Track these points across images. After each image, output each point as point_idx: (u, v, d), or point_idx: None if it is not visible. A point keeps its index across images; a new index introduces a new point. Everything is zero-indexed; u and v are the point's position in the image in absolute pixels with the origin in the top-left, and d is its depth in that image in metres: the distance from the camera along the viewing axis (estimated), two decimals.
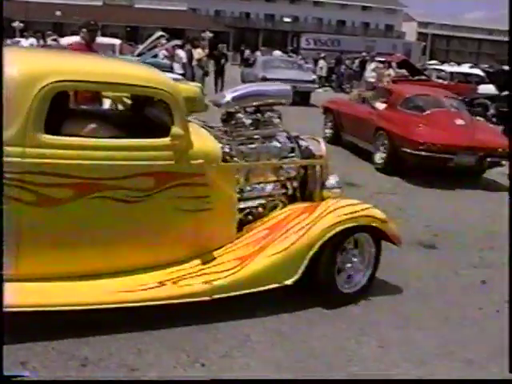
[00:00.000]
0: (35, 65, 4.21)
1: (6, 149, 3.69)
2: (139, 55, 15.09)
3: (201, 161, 4.51)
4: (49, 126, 3.98)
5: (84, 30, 7.80)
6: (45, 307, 3.87)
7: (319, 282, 4.83)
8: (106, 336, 4.04)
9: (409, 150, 9.74)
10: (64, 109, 4.74)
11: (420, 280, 5.68)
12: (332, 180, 5.51)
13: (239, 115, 5.42)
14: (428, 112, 10.48)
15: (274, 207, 5.31)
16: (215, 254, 4.70)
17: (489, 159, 9.99)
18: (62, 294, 4.01)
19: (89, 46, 7.80)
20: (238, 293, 4.45)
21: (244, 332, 4.34)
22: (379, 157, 10.64)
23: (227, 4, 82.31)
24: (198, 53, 22.03)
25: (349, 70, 30.17)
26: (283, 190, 5.46)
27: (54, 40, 19.82)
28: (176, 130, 4.34)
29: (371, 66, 24.27)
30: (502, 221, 7.08)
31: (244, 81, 24.34)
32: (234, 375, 3.78)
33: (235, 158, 5.00)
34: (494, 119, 16.31)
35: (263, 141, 5.39)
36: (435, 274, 5.88)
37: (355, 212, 4.94)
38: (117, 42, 20.17)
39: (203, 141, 4.72)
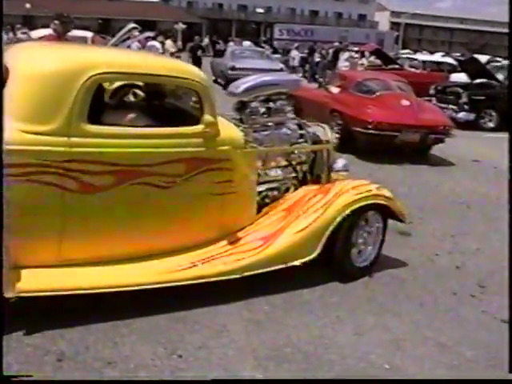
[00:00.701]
0: (78, 58, 4.41)
1: (52, 139, 3.99)
2: None
3: (227, 147, 4.81)
4: (90, 116, 4.17)
5: (57, 21, 7.71)
6: (86, 290, 4.08)
7: (335, 257, 5.19)
8: (82, 329, 4.02)
9: (359, 129, 10.72)
10: (101, 100, 4.85)
11: (394, 267, 5.72)
12: (340, 163, 5.94)
13: (254, 104, 5.71)
14: (377, 94, 11.54)
15: (287, 190, 5.71)
16: (239, 234, 5.02)
17: (432, 136, 11.08)
18: (102, 278, 4.22)
19: (60, 39, 7.72)
20: (264, 270, 4.77)
21: (220, 322, 4.35)
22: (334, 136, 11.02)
23: None
24: (169, 45, 21.80)
25: (322, 59, 30.19)
26: (294, 174, 5.86)
27: (24, 33, 19.60)
28: (207, 117, 4.63)
29: (344, 55, 24.32)
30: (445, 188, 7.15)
31: (214, 71, 24.44)
32: (210, 365, 3.79)
33: (253, 145, 5.26)
34: (467, 107, 16.39)
35: (275, 128, 5.77)
36: (409, 261, 5.92)
37: (368, 191, 5.34)
38: (89, 34, 19.96)
39: (227, 128, 4.98)
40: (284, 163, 5.81)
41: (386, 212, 5.47)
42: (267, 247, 4.87)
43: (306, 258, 4.96)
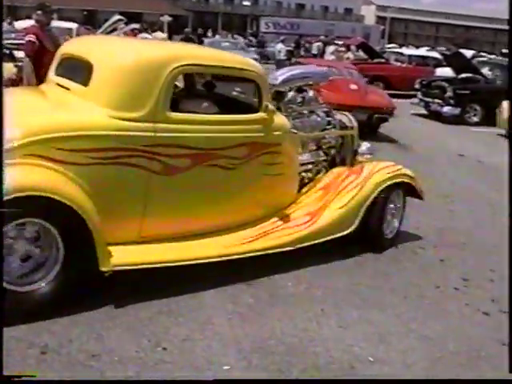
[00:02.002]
0: (163, 51, 5.01)
1: (141, 125, 4.40)
2: None
3: (280, 132, 5.33)
4: (172, 103, 4.63)
5: (39, 11, 7.65)
6: (170, 263, 4.52)
7: (371, 230, 5.88)
8: (67, 322, 4.01)
9: None
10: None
11: (379, 260, 5.75)
12: (364, 147, 6.59)
13: (292, 93, 6.40)
14: (330, 79, 11.84)
15: (318, 172, 6.30)
16: (287, 211, 5.61)
17: (377, 116, 12.63)
18: (180, 252, 4.66)
19: (43, 30, 7.66)
20: (313, 242, 5.39)
21: (205, 315, 4.34)
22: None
23: None
24: (161, 37, 21.64)
25: (306, 53, 30.21)
26: (325, 157, 6.45)
27: (9, 24, 19.45)
28: (267, 105, 5.16)
29: (330, 49, 24.32)
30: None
31: None
32: (195, 358, 3.79)
33: (294, 131, 5.73)
34: (452, 101, 16.46)
35: (308, 115, 6.41)
36: (394, 254, 5.96)
37: (395, 171, 6.08)
38: (74, 25, 19.83)
39: (278, 115, 5.43)
40: (314, 147, 6.39)
41: (408, 190, 6.22)
42: (314, 222, 5.49)
43: (346, 231, 5.62)
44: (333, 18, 77.46)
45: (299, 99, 6.48)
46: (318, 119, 6.49)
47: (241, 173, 5.04)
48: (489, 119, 15.56)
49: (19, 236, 4.03)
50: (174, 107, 4.69)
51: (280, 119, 5.42)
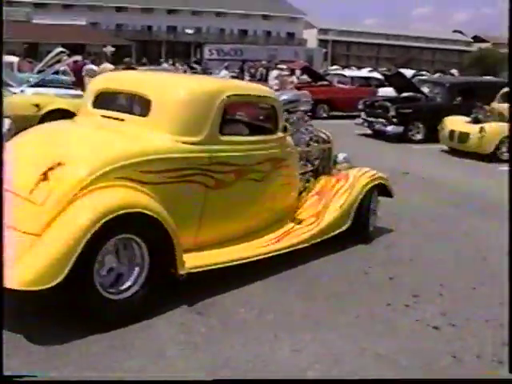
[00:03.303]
0: (214, 85, 6.09)
1: (200, 147, 5.22)
2: (39, 72, 14.73)
3: (289, 148, 6.37)
4: (220, 128, 5.46)
5: None
6: (225, 264, 5.26)
7: (361, 225, 6.92)
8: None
9: None
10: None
11: (330, 281, 5.79)
12: (341, 157, 7.53)
13: (289, 115, 7.52)
14: None
15: (308, 180, 7.13)
16: (296, 215, 6.60)
17: None
18: (230, 254, 5.43)
19: None
20: (322, 239, 6.36)
21: (158, 346, 4.31)
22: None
23: (128, 17, 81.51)
24: (109, 68, 21.49)
25: (252, 78, 30.42)
26: (312, 167, 7.30)
27: None
28: (285, 126, 6.25)
29: (274, 73, 24.54)
30: None
31: None
32: None
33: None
34: (395, 120, 16.74)
35: (295, 132, 7.12)
36: (344, 274, 6.01)
37: (374, 175, 7.19)
38: (15, 59, 19.63)
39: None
40: (303, 160, 7.22)
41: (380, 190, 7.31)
42: (320, 222, 6.46)
43: (344, 228, 6.63)
44: (275, 42, 78.49)
45: (295, 119, 7.54)
46: (304, 136, 7.34)
47: (266, 184, 5.99)
48: (432, 136, 15.89)
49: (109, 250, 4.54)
50: (222, 131, 5.49)
51: (288, 137, 6.41)
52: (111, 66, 21.24)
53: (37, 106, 12.01)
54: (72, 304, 4.47)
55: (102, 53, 32.96)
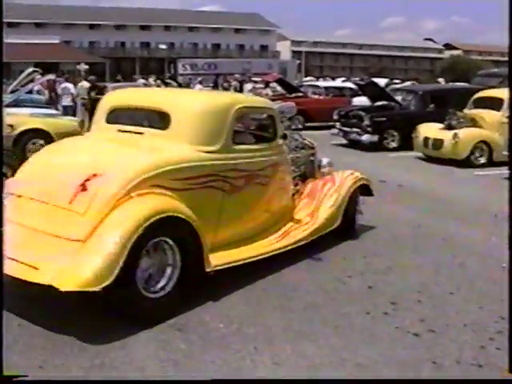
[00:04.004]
0: (226, 98, 6.96)
1: (218, 155, 5.75)
2: (12, 92, 14.58)
3: (285, 154, 6.96)
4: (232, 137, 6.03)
5: None
6: (244, 260, 5.80)
7: (349, 222, 7.55)
8: None
9: None
10: None
11: (308, 293, 5.79)
12: (324, 161, 8.00)
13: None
14: None
15: (297, 184, 7.49)
16: (294, 215, 7.12)
17: None
18: (247, 252, 5.97)
19: None
20: (318, 235, 6.94)
21: (138, 364, 4.28)
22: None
23: (101, 35, 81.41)
24: (86, 86, 21.48)
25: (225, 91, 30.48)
26: (299, 172, 7.69)
27: None
28: (285, 134, 6.89)
29: (248, 86, 24.63)
30: None
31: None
32: None
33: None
34: (370, 129, 16.85)
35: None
36: (323, 285, 6.01)
37: (357, 177, 7.82)
38: None
39: None
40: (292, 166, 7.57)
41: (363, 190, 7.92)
42: (316, 220, 7.03)
43: (335, 225, 7.22)
44: (249, 55, 78.77)
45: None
46: (294, 142, 7.84)
47: (268, 187, 6.55)
48: (406, 144, 16.01)
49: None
50: (233, 140, 6.01)
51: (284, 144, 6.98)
52: (87, 84, 21.20)
53: (11, 126, 11.91)
54: (116, 304, 4.86)
55: (76, 71, 32.78)
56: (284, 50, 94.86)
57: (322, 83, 29.66)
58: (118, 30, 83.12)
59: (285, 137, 6.87)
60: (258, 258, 5.95)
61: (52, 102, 20.59)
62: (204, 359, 4.40)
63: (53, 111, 17.03)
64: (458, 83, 29.43)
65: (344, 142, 18.10)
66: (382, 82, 28.93)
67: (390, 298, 5.70)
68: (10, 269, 4.49)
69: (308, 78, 47.43)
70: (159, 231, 4.91)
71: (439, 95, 17.65)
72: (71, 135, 12.97)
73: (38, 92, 20.66)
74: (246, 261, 5.81)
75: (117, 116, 6.33)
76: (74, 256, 4.54)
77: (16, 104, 14.35)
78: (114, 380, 3.59)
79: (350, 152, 16.90)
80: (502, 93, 14.18)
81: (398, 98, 17.99)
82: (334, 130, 18.65)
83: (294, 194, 7.31)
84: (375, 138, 16.89)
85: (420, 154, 15.47)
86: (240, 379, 3.81)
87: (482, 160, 14.30)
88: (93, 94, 20.22)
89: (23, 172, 5.69)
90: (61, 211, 4.86)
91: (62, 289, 4.32)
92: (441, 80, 36.52)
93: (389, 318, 5.25)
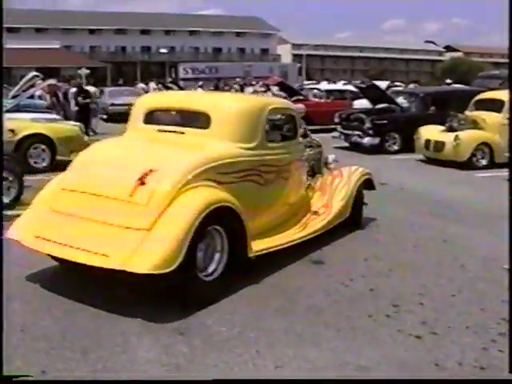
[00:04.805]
0: (260, 99, 8.39)
1: (255, 152, 6.39)
2: (13, 97, 14.61)
3: (303, 151, 7.65)
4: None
5: None
6: (279, 246, 6.41)
7: (357, 213, 8.23)
8: None
9: None
10: None
11: (310, 296, 5.79)
12: (330, 158, 8.47)
13: None
14: None
15: (307, 179, 7.98)
16: (311, 207, 7.69)
17: None
18: (278, 240, 6.53)
19: None
20: (333, 225, 7.55)
21: (140, 368, 4.28)
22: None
23: (102, 39, 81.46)
24: (93, 90, 21.86)
25: None
26: (308, 167, 8.04)
27: None
28: (306, 132, 7.87)
29: (249, 90, 24.63)
30: None
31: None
32: None
33: None
34: (371, 132, 16.84)
35: None
36: (324, 288, 6.01)
37: (362, 171, 8.46)
38: None
39: None
40: None
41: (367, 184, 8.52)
42: (330, 211, 7.60)
43: (346, 216, 7.82)
44: (250, 59, 78.68)
45: None
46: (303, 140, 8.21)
47: (291, 181, 7.14)
48: (408, 146, 16.00)
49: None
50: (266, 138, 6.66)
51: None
52: (94, 89, 21.72)
53: (12, 131, 11.94)
54: (175, 287, 5.28)
55: (77, 75, 32.81)
56: (285, 53, 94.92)
57: (322, 86, 29.62)
58: (118, 34, 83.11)
59: (305, 135, 7.73)
60: (287, 245, 6.53)
61: (54, 107, 20.56)
62: (206, 363, 4.40)
63: (54, 116, 17.01)
64: (457, 85, 29.38)
65: (345, 144, 18.05)
66: (382, 84, 28.93)
67: (391, 300, 5.70)
68: (77, 256, 5.18)
69: (309, 82, 47.38)
70: (213, 219, 5.42)
71: (440, 97, 17.64)
72: (73, 140, 13.13)
73: (40, 97, 20.65)
74: (279, 247, 6.37)
75: (154, 117, 6.92)
76: (141, 243, 5.04)
77: (18, 109, 14.38)
78: (115, 380, 3.59)
79: (351, 155, 16.81)
80: (502, 94, 14.15)
81: (399, 100, 17.98)
82: (336, 133, 18.65)
83: (306, 188, 7.81)
84: (376, 140, 16.89)
85: (421, 157, 15.46)
86: (240, 379, 3.81)
87: (484, 162, 14.30)
88: (80, 98, 20.20)
89: (73, 169, 6.12)
90: (121, 203, 5.34)
91: (137, 271, 4.86)
92: (449, 81, 36.38)
93: (391, 321, 5.25)
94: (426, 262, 6.90)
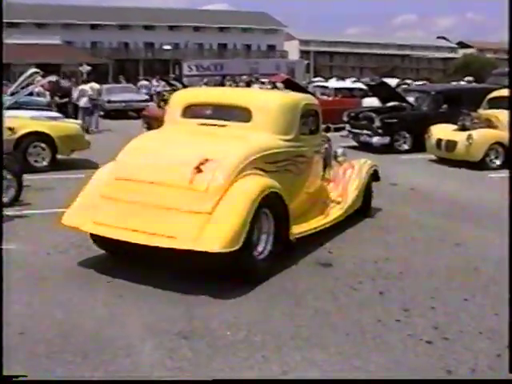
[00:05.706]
0: (296, 95, 8.75)
1: (293, 143, 7.01)
2: (12, 94, 14.45)
3: (322, 145, 8.14)
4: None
5: None
6: (311, 231, 7.05)
7: (368, 202, 8.78)
8: None
9: None
10: None
11: (318, 299, 5.67)
12: (339, 151, 8.85)
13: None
14: None
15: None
16: (328, 196, 8.18)
17: None
18: (309, 225, 7.18)
19: None
20: (348, 214, 8.06)
21: (144, 372, 4.20)
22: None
23: (104, 35, 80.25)
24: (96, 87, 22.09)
25: None
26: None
27: None
28: (329, 126, 8.70)
29: (255, 87, 24.46)
30: None
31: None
32: None
33: None
34: (380, 131, 16.62)
35: None
36: (333, 291, 5.89)
37: (371, 163, 9.01)
38: None
39: None
40: None
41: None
42: (346, 200, 8.14)
43: (359, 205, 8.37)
44: (256, 55, 78.48)
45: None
46: None
47: (313, 172, 7.73)
48: (418, 145, 15.81)
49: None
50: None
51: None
52: (97, 86, 22.86)
53: (11, 129, 11.81)
54: (233, 264, 5.76)
55: (79, 72, 32.74)
56: (292, 49, 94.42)
57: (331, 84, 29.42)
58: (121, 30, 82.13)
59: (328, 129, 8.51)
60: (318, 229, 7.21)
61: (54, 104, 20.52)
62: (211, 368, 4.30)
63: (54, 114, 16.91)
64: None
65: (354, 144, 17.82)
66: (392, 82, 28.72)
67: (402, 304, 5.57)
68: (143, 239, 5.64)
69: (317, 79, 47.19)
70: (264, 203, 5.94)
71: (452, 95, 17.41)
72: (74, 139, 13.04)
73: (38, 94, 20.56)
74: (312, 231, 7.03)
75: (193, 112, 7.40)
76: (205, 225, 5.54)
77: (18, 106, 14.25)
78: (115, 380, 3.50)
79: (360, 155, 16.44)
80: None
81: (410, 98, 17.75)
82: (344, 132, 18.40)
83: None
84: (386, 139, 16.67)
85: (432, 156, 15.19)
86: (240, 379, 3.70)
87: (498, 162, 13.96)
88: (56, 98, 20.06)
89: (122, 160, 6.45)
90: (181, 190, 5.81)
91: (209, 250, 5.38)
92: (470, 79, 35.98)
93: (401, 325, 5.12)
94: (438, 264, 6.76)
